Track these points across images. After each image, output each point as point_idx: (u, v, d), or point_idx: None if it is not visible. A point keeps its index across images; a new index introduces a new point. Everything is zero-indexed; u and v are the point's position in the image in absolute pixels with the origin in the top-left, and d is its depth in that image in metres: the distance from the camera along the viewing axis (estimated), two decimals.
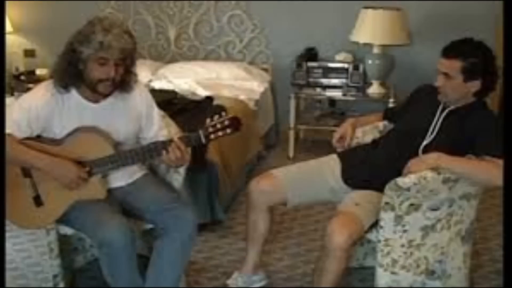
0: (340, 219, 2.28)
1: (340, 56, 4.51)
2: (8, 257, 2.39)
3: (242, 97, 4.19)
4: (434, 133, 2.37)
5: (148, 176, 2.49)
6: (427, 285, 2.40)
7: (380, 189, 2.27)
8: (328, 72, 4.44)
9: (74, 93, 2.26)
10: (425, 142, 2.37)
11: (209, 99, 3.96)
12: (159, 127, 2.45)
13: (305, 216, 3.44)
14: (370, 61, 4.27)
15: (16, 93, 4.44)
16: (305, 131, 4.80)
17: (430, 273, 2.39)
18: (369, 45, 4.24)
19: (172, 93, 3.96)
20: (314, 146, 4.59)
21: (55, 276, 2.41)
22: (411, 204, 2.23)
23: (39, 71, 4.89)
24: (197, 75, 4.45)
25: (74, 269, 2.78)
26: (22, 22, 5.11)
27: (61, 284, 2.44)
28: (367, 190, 2.41)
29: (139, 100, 2.39)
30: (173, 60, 4.87)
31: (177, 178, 2.53)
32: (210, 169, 3.18)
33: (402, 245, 2.30)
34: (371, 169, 2.45)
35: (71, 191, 2.24)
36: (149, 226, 2.41)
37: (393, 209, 2.23)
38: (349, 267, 2.66)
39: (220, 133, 2.23)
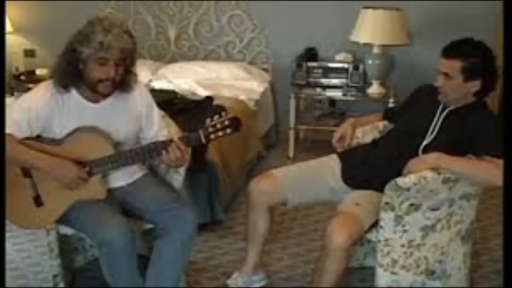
0: (340, 219, 2.28)
1: (340, 56, 4.51)
2: (8, 257, 2.39)
3: (242, 97, 4.19)
4: (434, 133, 2.37)
5: (148, 176, 2.49)
6: (427, 285, 2.40)
7: (380, 189, 2.27)
8: (328, 72, 4.44)
9: (74, 93, 2.26)
10: (425, 142, 2.37)
11: (209, 99, 3.96)
12: (159, 127, 2.45)
13: (305, 216, 3.44)
14: (370, 61, 4.27)
15: (16, 93, 4.44)
16: (305, 131, 4.80)
17: (430, 273, 2.39)
18: (369, 45, 4.24)
19: (172, 93, 3.96)
20: (314, 146, 4.59)
21: (55, 276, 2.41)
22: (411, 204, 2.23)
23: (39, 71, 4.89)
24: (197, 75, 4.45)
25: (74, 269, 2.78)
26: (22, 22, 5.11)
27: (61, 284, 2.44)
28: (367, 190, 2.41)
29: (139, 100, 2.39)
30: (173, 60, 4.87)
31: (177, 178, 2.53)
32: (210, 169, 3.18)
33: (402, 245, 2.30)
34: (371, 169, 2.45)
35: (71, 191, 2.24)
36: (149, 226, 2.41)
37: (393, 209, 2.23)
38: (349, 267, 2.66)
39: (220, 133, 2.23)
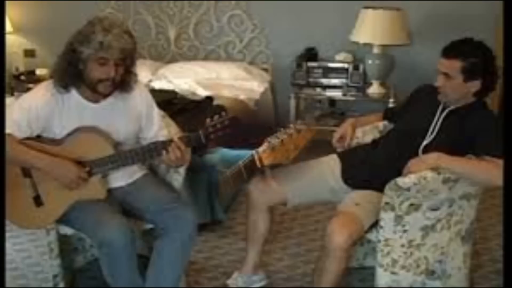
0: (340, 219, 2.28)
1: (340, 56, 4.51)
2: (8, 257, 2.39)
3: (242, 97, 4.19)
4: (434, 133, 2.37)
5: (148, 176, 2.49)
6: (427, 285, 2.40)
7: (380, 189, 2.27)
8: (328, 72, 4.44)
9: (74, 93, 2.26)
10: (425, 142, 2.37)
11: (209, 99, 3.96)
12: (159, 127, 2.45)
13: (305, 216, 3.44)
14: (370, 61, 4.27)
15: (16, 93, 4.43)
16: None
17: (430, 273, 2.39)
18: (369, 45, 4.24)
19: (172, 93, 3.96)
20: (314, 146, 4.57)
21: (55, 276, 2.41)
22: (411, 204, 2.23)
23: (39, 71, 4.89)
24: (197, 75, 4.45)
25: (74, 269, 2.78)
26: (22, 22, 5.11)
27: (61, 284, 2.44)
28: (367, 190, 2.41)
29: (139, 100, 2.39)
30: (173, 60, 4.87)
31: (177, 178, 2.53)
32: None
33: (402, 245, 2.30)
34: (371, 169, 2.45)
35: (71, 191, 2.24)
36: (149, 226, 2.41)
37: (393, 209, 2.23)
38: (349, 267, 2.66)
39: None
